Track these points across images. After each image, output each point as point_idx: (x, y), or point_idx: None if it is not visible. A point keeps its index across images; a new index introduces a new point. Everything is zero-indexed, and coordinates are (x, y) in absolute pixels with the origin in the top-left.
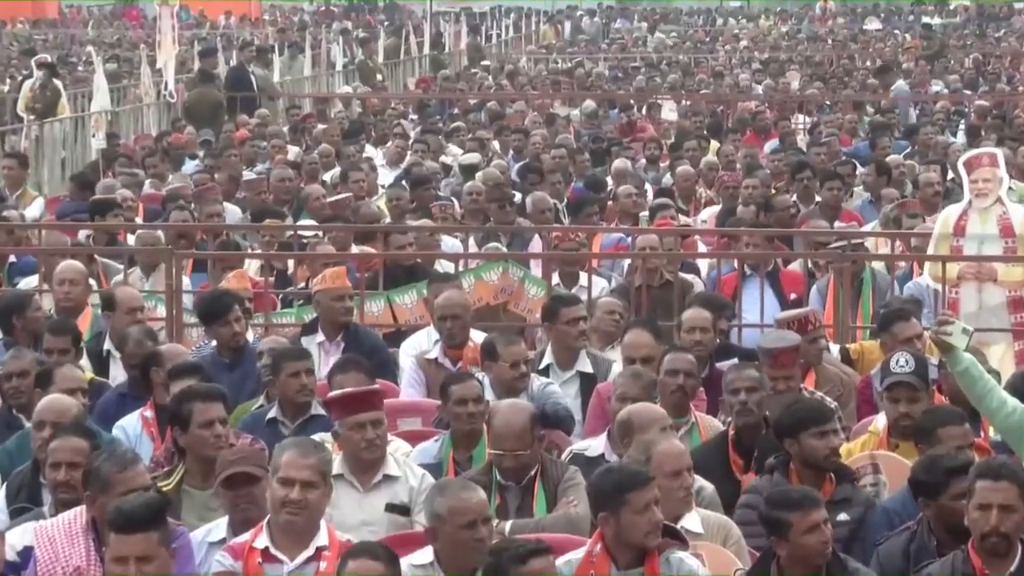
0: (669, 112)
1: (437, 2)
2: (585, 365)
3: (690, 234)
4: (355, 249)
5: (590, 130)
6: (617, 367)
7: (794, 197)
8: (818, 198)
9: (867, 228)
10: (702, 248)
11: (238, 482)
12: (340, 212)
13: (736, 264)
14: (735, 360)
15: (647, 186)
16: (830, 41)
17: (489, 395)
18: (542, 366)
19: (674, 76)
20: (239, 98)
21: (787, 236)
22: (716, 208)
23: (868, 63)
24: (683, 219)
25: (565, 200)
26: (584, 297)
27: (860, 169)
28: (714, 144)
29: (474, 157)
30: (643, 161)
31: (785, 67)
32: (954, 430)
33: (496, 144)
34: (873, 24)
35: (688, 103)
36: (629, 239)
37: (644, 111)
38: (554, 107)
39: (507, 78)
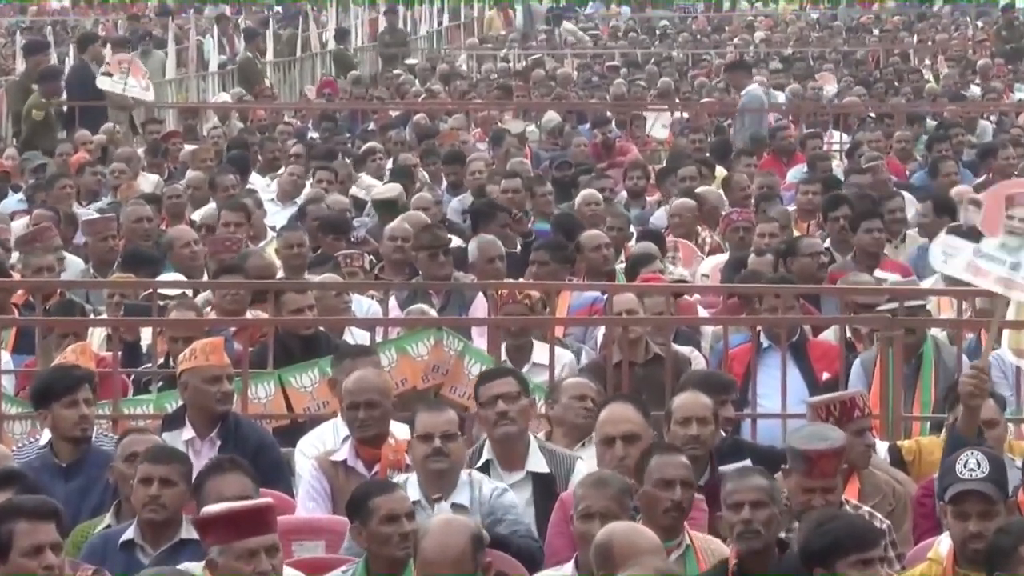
0: (659, 128)
1: None
2: (538, 463)
3: (687, 292)
4: (249, 314)
5: (553, 152)
6: (585, 467)
7: (827, 243)
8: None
9: (926, 284)
10: (703, 312)
11: None
12: (221, 260)
13: (749, 333)
14: (746, 462)
15: (630, 228)
16: (876, 32)
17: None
18: (480, 463)
19: (666, 79)
20: (78, 109)
21: (817, 295)
22: (722, 257)
23: (928, 60)
24: (677, 271)
25: (520, 246)
26: (544, 377)
27: (915, 205)
28: (720, 171)
29: (395, 189)
30: (624, 194)
31: (815, 67)
32: None
33: (425, 173)
34: (936, 5)
35: (685, 115)
36: (605, 299)
37: (626, 126)
38: (504, 121)
39: (440, 81)
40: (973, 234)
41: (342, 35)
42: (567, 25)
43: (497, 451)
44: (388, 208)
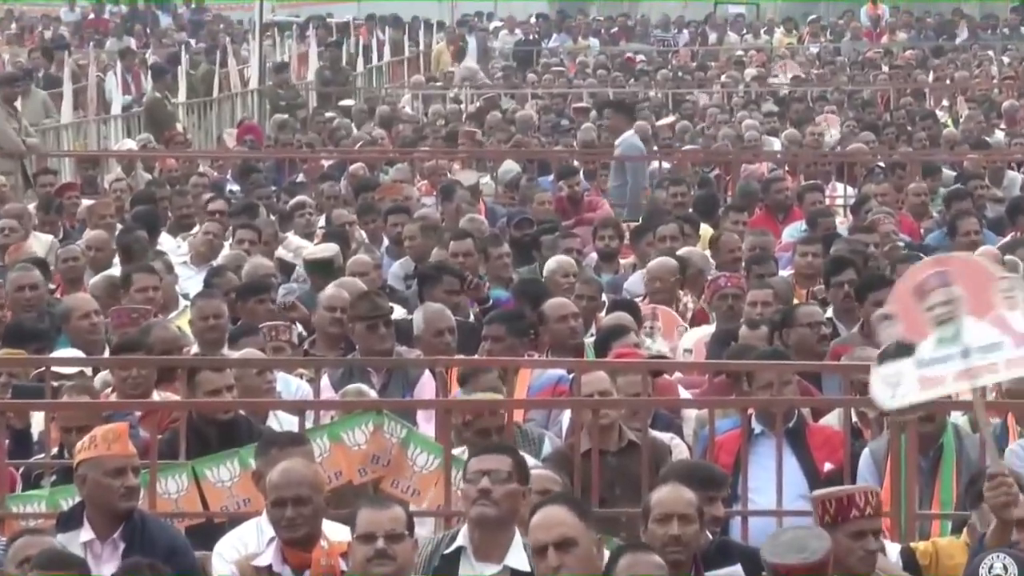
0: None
1: (273, 5)
2: (520, 559)
3: (667, 370)
4: (156, 396)
5: (511, 208)
6: None
7: (829, 312)
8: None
9: None
10: (685, 392)
11: None
12: (125, 334)
13: (739, 417)
14: (737, 567)
15: (601, 296)
16: (886, 68)
17: None
18: (451, 549)
19: (642, 123)
20: None
21: (818, 373)
22: (708, 329)
23: (946, 101)
24: (655, 346)
25: (472, 316)
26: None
27: None
28: (705, 229)
29: (329, 250)
30: (593, 256)
31: (815, 109)
32: None
33: (362, 232)
34: (959, 38)
35: (665, 165)
36: (571, 378)
37: (595, 178)
38: (454, 172)
39: (380, 126)
40: (904, 350)
41: (280, 69)
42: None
43: (473, 537)
44: (321, 272)
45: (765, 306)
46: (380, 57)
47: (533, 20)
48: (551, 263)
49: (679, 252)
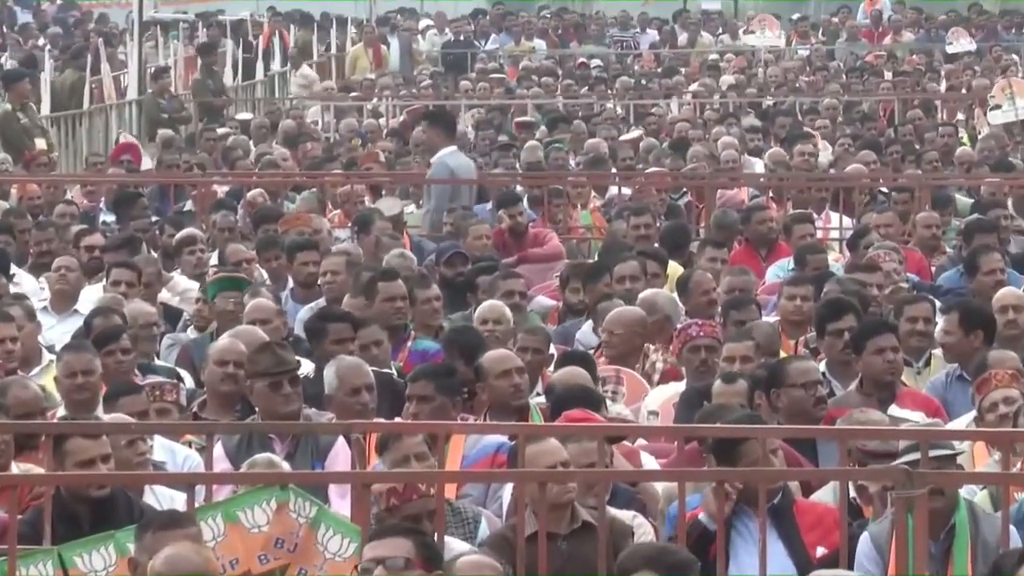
0: (588, 211)
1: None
2: None
3: (628, 435)
4: (15, 469)
5: (442, 242)
6: None
7: (823, 366)
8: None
9: (957, 425)
10: (650, 462)
11: None
12: None
13: (712, 492)
14: None
15: (550, 347)
16: (889, 75)
17: None
18: None
19: (598, 140)
20: None
21: (810, 439)
22: (677, 387)
23: (961, 115)
24: (615, 408)
25: (395, 372)
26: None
27: (944, 315)
28: (673, 267)
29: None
30: (542, 301)
31: (805, 123)
32: None
33: (263, 270)
34: (961, 43)
35: (625, 191)
36: (514, 445)
37: (544, 207)
38: (372, 199)
39: (284, 144)
40: None
41: (162, 75)
42: None
43: None
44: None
45: (745, 361)
46: (284, 62)
47: (467, 18)
48: (480, 309)
49: (642, 295)
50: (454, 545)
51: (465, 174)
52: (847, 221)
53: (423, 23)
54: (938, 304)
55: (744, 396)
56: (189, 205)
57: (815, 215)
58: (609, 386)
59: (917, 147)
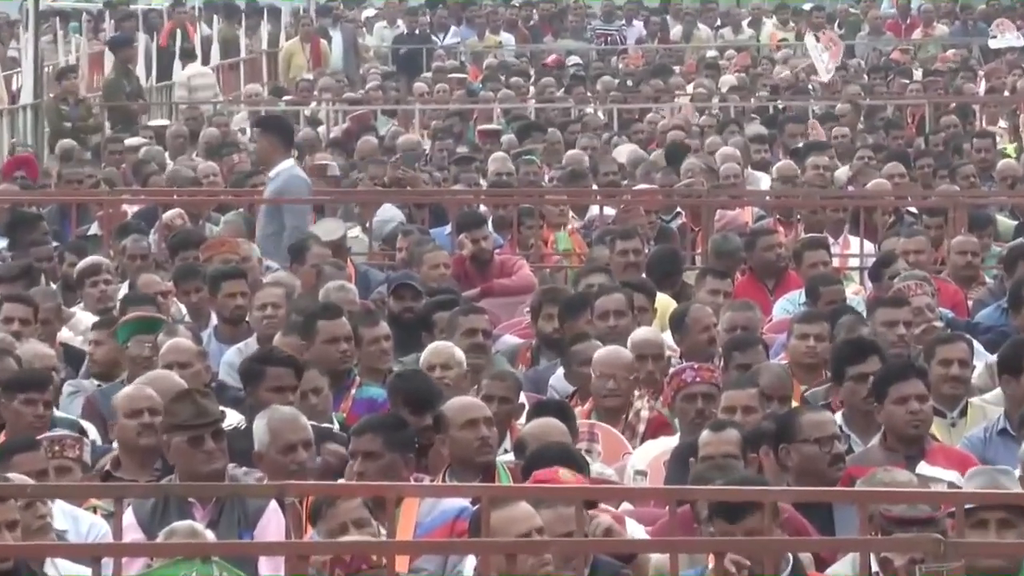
0: (566, 233)
1: None
2: None
3: (612, 499)
4: None
5: (392, 271)
6: None
7: (840, 419)
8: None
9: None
10: (636, 529)
11: None
12: None
13: (710, 565)
14: None
15: (519, 396)
16: (918, 74)
17: None
18: None
19: (578, 152)
20: None
21: (825, 504)
22: (668, 442)
23: (1003, 122)
24: (595, 467)
25: (337, 424)
26: None
27: (984, 358)
28: (665, 300)
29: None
30: (510, 340)
31: (819, 131)
32: None
33: (181, 305)
34: (1005, 38)
35: (608, 211)
36: (477, 510)
37: (512, 230)
38: (310, 224)
39: (206, 156)
40: None
41: (64, 76)
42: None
43: None
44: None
45: (747, 412)
46: (206, 60)
47: (422, 7)
48: (427, 350)
49: (633, 335)
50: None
51: (298, 188)
52: (869, 247)
53: (369, 13)
54: (976, 345)
55: (736, 447)
56: (94, 228)
57: (831, 240)
58: (582, 443)
59: (951, 159)
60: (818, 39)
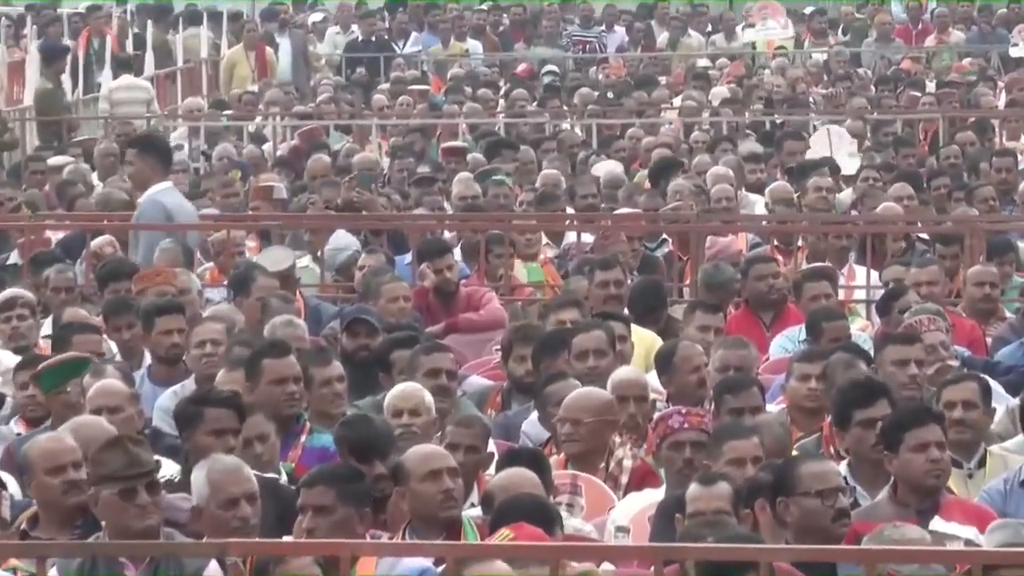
0: (538, 262)
1: None
2: None
3: (591, 558)
4: None
5: (345, 305)
6: None
7: (845, 469)
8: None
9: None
10: None
11: None
12: None
13: None
14: None
15: (487, 444)
16: (931, 84)
17: None
18: None
19: (552, 171)
20: None
21: (826, 563)
22: (653, 495)
23: None
24: (573, 522)
25: (285, 476)
26: None
27: (1005, 401)
28: (648, 338)
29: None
30: (476, 380)
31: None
32: None
33: (111, 343)
34: None
35: (586, 238)
36: (440, 573)
37: (480, 259)
38: (249, 251)
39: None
40: None
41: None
42: None
43: None
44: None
45: (757, 463)
46: (140, 70)
47: (380, 11)
48: (390, 393)
49: (615, 375)
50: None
51: (185, 218)
52: (876, 278)
53: (318, 17)
54: (995, 386)
55: (728, 502)
56: (14, 257)
57: (835, 270)
58: (563, 496)
59: (967, 180)
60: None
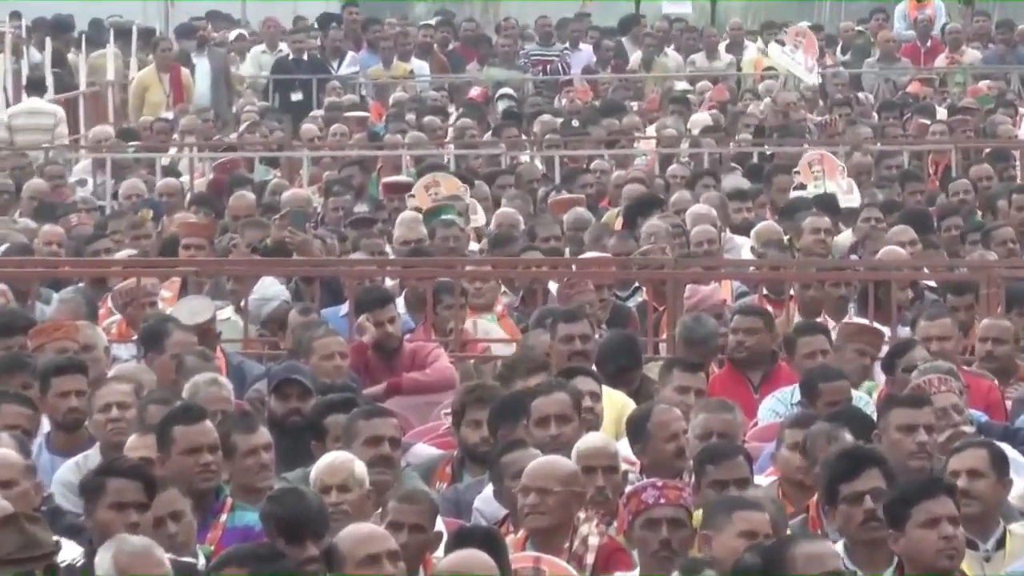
0: (494, 314)
1: None
2: None
3: None
4: None
5: (272, 367)
6: None
7: (842, 547)
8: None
9: None
10: None
11: None
12: None
13: None
14: None
15: (435, 522)
16: (943, 110)
17: None
18: None
19: (509, 210)
20: None
21: None
22: None
23: None
24: None
25: (203, 559)
26: None
27: None
28: (619, 400)
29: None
30: (422, 449)
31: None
32: None
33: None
34: None
35: (549, 286)
36: None
37: (426, 311)
38: (171, 301)
39: (36, 218)
40: None
41: None
42: None
43: None
44: None
45: (752, 539)
46: (38, 91)
47: (312, 27)
48: (316, 465)
49: (581, 443)
50: None
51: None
52: (887, 334)
53: (240, 32)
54: (1015, 455)
55: None
56: None
57: (831, 322)
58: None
59: (984, 220)
60: (782, 43)
